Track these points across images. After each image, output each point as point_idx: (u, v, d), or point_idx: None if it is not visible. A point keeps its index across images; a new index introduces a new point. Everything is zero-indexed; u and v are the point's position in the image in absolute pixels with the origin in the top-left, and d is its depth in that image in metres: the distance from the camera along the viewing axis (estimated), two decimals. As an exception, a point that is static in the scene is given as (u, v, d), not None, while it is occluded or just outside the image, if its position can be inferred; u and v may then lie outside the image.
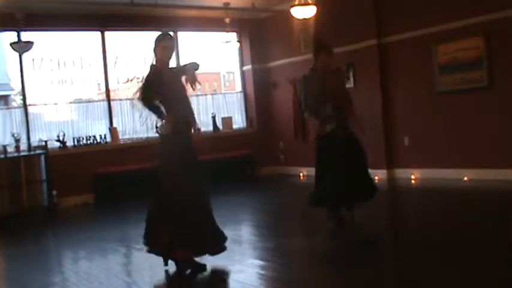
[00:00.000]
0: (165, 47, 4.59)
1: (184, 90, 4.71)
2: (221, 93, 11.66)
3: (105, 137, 9.70)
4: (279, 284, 4.32)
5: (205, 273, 4.50)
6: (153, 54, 4.63)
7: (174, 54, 4.90)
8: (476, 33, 7.81)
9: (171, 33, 5.01)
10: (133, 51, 10.20)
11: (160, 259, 4.68)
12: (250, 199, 8.70)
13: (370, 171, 6.03)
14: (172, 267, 4.65)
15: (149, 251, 4.68)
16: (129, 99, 10.31)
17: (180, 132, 4.58)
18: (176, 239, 4.46)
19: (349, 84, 9.47)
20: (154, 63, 4.63)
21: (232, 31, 10.99)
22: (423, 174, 8.66)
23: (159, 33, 4.67)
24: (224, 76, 14.85)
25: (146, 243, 4.69)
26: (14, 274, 5.23)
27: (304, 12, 8.29)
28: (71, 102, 10.06)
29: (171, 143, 4.58)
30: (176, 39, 10.52)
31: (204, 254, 4.61)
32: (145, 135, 9.95)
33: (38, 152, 8.54)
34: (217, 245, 4.62)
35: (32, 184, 8.21)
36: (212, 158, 9.67)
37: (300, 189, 8.63)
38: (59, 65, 9.62)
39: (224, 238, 4.69)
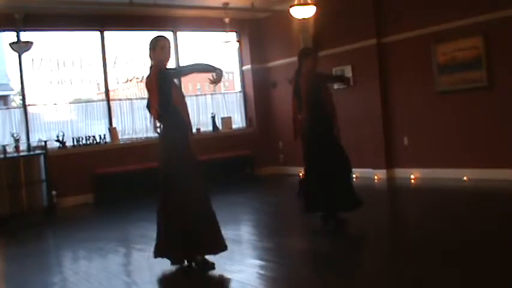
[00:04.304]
0: (163, 47, 4.67)
1: (181, 93, 4.75)
2: (220, 93, 11.65)
3: (104, 137, 9.70)
4: (278, 284, 4.32)
5: (208, 273, 4.50)
6: (151, 57, 4.69)
7: (173, 55, 4.95)
8: (475, 33, 7.82)
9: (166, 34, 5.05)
10: (132, 51, 10.20)
11: (159, 259, 4.68)
12: (250, 199, 8.69)
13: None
14: (170, 265, 4.65)
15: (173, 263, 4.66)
16: (128, 99, 10.34)
17: (177, 137, 4.59)
18: (183, 242, 4.46)
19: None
20: (152, 64, 4.69)
21: (232, 31, 11.00)
22: (423, 174, 8.66)
23: (155, 34, 4.75)
24: (223, 76, 14.85)
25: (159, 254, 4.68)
26: (13, 274, 5.23)
27: (303, 12, 8.28)
28: (70, 103, 10.06)
29: (167, 146, 4.60)
30: (176, 39, 10.53)
31: (205, 254, 4.59)
32: (144, 135, 9.99)
33: (37, 152, 8.53)
34: (218, 244, 4.60)
35: (32, 184, 8.19)
36: (212, 158, 9.70)
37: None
38: (58, 65, 9.63)
39: (223, 239, 4.67)
